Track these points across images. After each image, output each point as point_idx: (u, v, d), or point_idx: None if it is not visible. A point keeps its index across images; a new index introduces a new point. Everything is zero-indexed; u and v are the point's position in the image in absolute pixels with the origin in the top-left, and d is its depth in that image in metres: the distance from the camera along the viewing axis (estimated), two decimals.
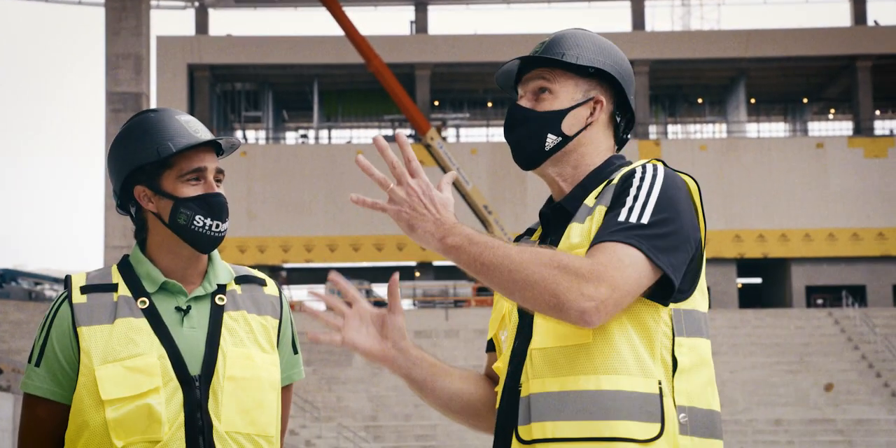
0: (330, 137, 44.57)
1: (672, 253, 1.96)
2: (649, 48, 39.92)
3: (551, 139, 2.08)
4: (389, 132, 43.82)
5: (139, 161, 2.19)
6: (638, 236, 1.94)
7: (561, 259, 1.89)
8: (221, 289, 2.24)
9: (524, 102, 2.12)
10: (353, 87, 42.81)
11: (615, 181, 2.03)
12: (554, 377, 1.94)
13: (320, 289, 36.62)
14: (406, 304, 35.96)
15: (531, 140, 2.10)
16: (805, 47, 40.40)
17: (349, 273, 38.55)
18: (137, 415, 2.08)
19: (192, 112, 39.77)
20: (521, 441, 1.96)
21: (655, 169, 2.02)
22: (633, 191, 1.98)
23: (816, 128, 47.18)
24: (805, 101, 45.61)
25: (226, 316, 2.20)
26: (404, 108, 33.25)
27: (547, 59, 2.11)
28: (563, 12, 43.36)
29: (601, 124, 2.11)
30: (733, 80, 43.48)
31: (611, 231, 1.95)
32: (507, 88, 2.23)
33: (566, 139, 2.09)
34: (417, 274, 39.57)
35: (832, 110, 46.84)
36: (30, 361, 2.18)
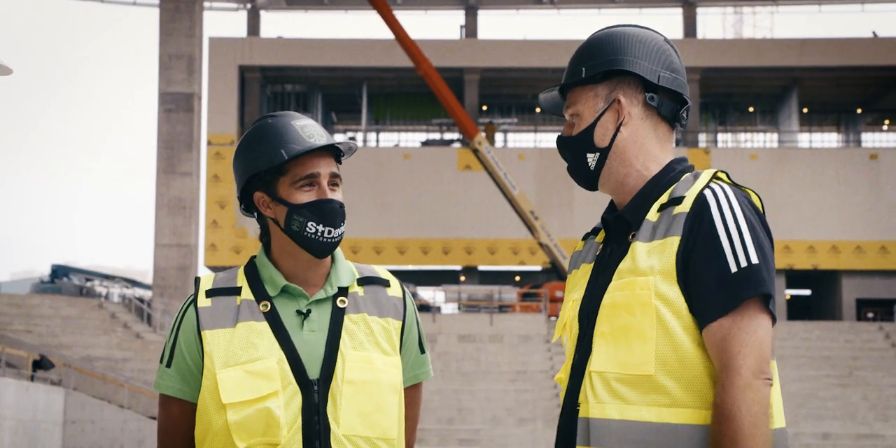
0: (378, 140, 44.71)
1: (773, 285, 1.94)
2: (701, 56, 39.61)
3: (590, 158, 2.09)
4: (437, 136, 43.99)
5: (255, 168, 2.22)
6: (756, 282, 1.91)
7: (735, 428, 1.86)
8: (343, 291, 2.25)
9: (563, 131, 2.15)
10: (401, 90, 42.90)
11: (685, 205, 1.98)
12: (614, 404, 1.93)
13: None
14: (451, 308, 35.90)
15: (577, 165, 2.11)
16: (860, 56, 39.87)
17: (395, 276, 38.43)
18: (257, 418, 2.11)
19: (241, 113, 40.13)
20: None
21: (727, 195, 1.97)
22: (720, 229, 1.94)
23: (870, 139, 46.58)
24: (859, 111, 45.02)
25: (346, 319, 2.22)
26: (452, 113, 33.32)
27: (561, 86, 2.14)
28: (614, 18, 42.98)
29: (637, 120, 2.07)
30: (786, 89, 43.03)
31: (729, 290, 1.91)
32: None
33: (603, 151, 2.07)
34: (463, 278, 39.48)
35: (887, 121, 46.18)
36: (161, 361, 2.24)
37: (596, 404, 1.94)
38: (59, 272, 34.37)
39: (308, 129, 2.23)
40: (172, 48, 30.01)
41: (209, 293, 2.22)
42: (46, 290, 32.84)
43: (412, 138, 45.08)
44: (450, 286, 36.40)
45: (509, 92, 43.12)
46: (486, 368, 28.51)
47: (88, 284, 34.23)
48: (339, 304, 2.22)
